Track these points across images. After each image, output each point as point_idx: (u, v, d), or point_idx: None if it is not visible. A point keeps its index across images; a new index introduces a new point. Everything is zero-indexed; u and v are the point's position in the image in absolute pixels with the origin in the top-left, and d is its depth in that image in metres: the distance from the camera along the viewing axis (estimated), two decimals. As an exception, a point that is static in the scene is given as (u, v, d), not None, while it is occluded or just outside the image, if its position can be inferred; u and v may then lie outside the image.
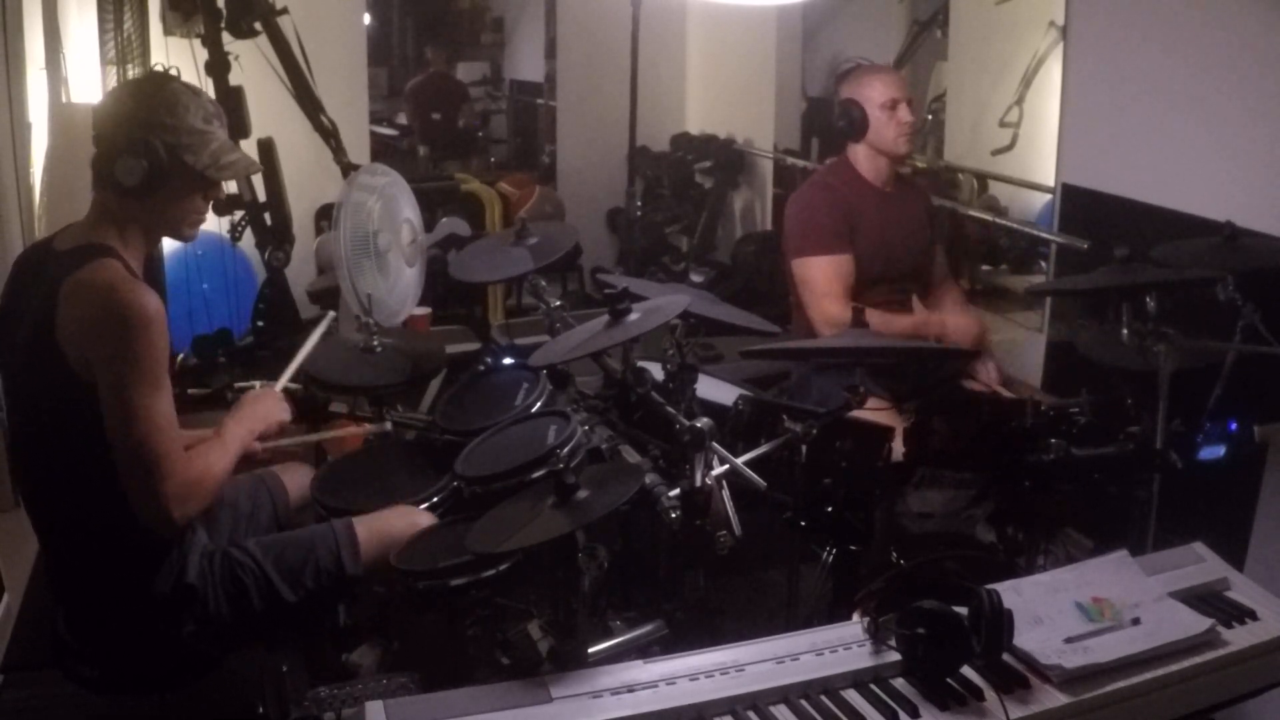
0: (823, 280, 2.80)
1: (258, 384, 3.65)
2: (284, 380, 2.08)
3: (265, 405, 2.01)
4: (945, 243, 3.30)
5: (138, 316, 1.67)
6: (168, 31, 4.05)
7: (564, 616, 1.60)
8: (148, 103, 1.79)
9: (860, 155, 2.91)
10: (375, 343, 2.38)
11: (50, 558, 1.87)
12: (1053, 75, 3.54)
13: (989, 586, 1.54)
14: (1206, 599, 1.71)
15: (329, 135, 4.06)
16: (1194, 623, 1.61)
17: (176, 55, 3.91)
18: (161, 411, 1.71)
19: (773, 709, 1.46)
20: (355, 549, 1.92)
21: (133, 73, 3.80)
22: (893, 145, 2.85)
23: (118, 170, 1.75)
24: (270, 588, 1.87)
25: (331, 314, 2.19)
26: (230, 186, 3.84)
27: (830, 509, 1.98)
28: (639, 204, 4.45)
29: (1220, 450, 2.16)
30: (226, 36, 3.83)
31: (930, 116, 4.47)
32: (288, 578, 1.88)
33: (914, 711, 1.45)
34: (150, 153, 1.76)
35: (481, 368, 2.40)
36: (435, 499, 2.00)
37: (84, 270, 1.71)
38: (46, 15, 3.58)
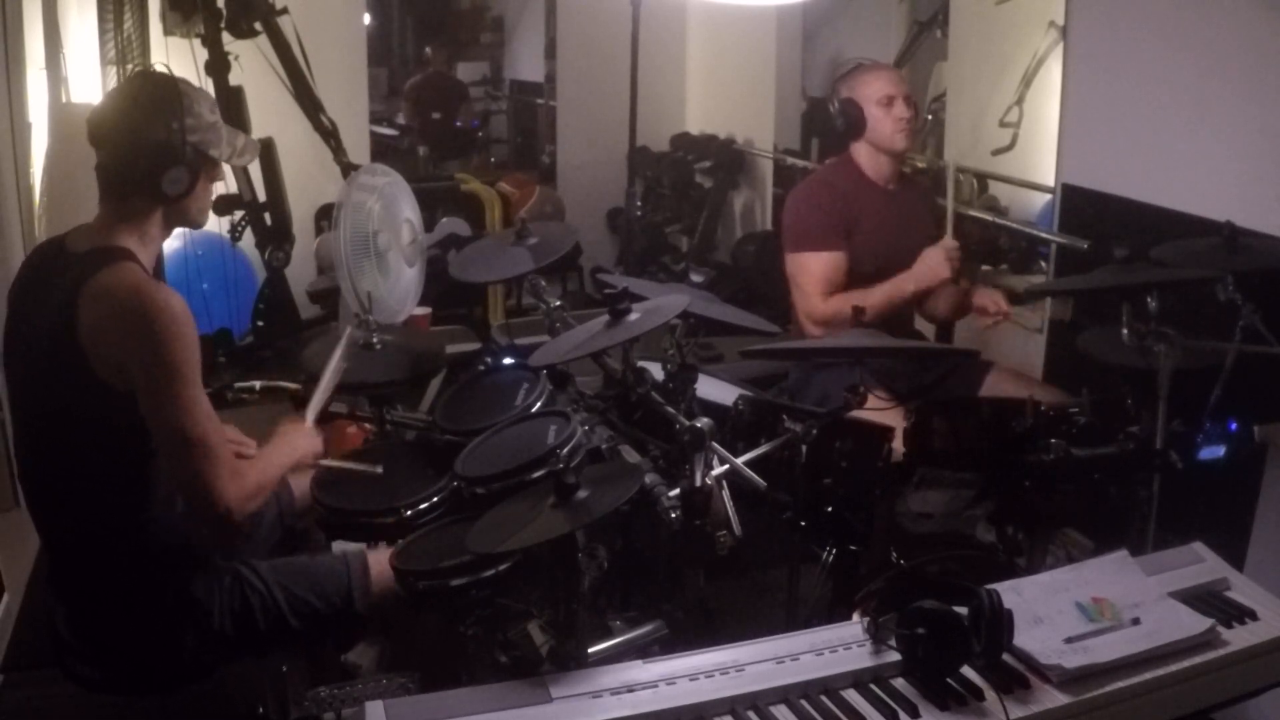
0: (809, 277, 2.82)
1: (256, 385, 3.65)
2: (313, 414, 2.09)
3: (303, 440, 2.01)
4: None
5: (166, 316, 1.68)
6: (168, 31, 4.05)
7: (564, 616, 1.60)
8: (168, 110, 1.78)
9: (862, 153, 2.92)
10: (375, 340, 2.37)
11: (53, 557, 1.87)
12: (1053, 75, 3.53)
13: (989, 586, 1.53)
14: (1206, 599, 1.70)
15: (329, 135, 4.07)
16: (1194, 623, 1.60)
17: (176, 55, 3.91)
18: (204, 405, 1.72)
19: (773, 709, 1.46)
20: (366, 585, 1.93)
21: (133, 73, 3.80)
22: (890, 141, 2.85)
23: (166, 184, 1.77)
24: (277, 612, 1.88)
25: (339, 357, 2.19)
26: (231, 186, 3.85)
27: (830, 509, 1.98)
28: (639, 204, 4.45)
29: (1220, 450, 2.15)
30: (226, 36, 3.84)
31: (930, 116, 4.47)
32: (295, 605, 1.89)
33: (914, 711, 1.45)
34: (188, 158, 1.79)
35: (481, 368, 2.40)
36: (435, 499, 2.00)
37: (104, 273, 1.71)
38: (46, 15, 3.58)
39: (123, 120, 1.80)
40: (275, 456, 1.92)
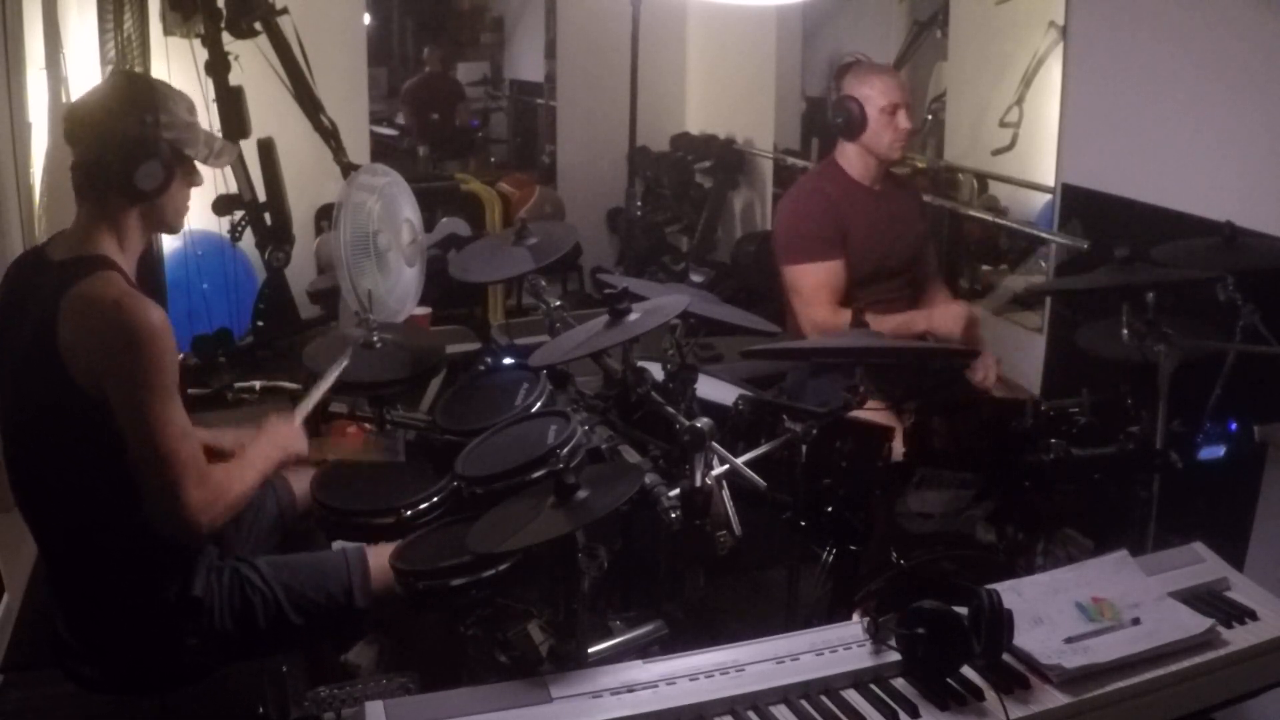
0: (811, 288, 2.80)
1: (256, 385, 3.64)
2: (301, 414, 2.08)
3: (287, 437, 2.00)
4: (938, 241, 3.30)
5: (145, 331, 1.67)
6: (168, 31, 4.04)
7: (564, 616, 1.60)
8: (143, 105, 1.78)
9: (850, 154, 2.89)
10: (375, 338, 2.37)
11: (49, 563, 1.87)
12: (1053, 75, 3.53)
13: (989, 586, 1.54)
14: (1206, 599, 1.71)
15: (329, 135, 4.06)
16: (1194, 623, 1.61)
17: (176, 55, 3.91)
18: (178, 421, 1.71)
19: (773, 709, 1.46)
20: (366, 580, 1.92)
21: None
22: (887, 150, 2.84)
23: (139, 178, 1.76)
24: (278, 609, 1.88)
25: (344, 362, 2.19)
26: (230, 186, 3.85)
27: (830, 509, 1.98)
28: (639, 204, 4.45)
29: (1220, 450, 2.16)
30: (226, 36, 3.83)
31: (930, 116, 4.47)
32: (296, 601, 1.89)
33: (914, 711, 1.45)
34: (162, 154, 1.77)
35: (481, 368, 2.40)
36: (435, 499, 2.00)
37: (84, 284, 1.70)
38: (46, 16, 3.58)
39: (97, 115, 1.79)
40: (257, 458, 1.90)
